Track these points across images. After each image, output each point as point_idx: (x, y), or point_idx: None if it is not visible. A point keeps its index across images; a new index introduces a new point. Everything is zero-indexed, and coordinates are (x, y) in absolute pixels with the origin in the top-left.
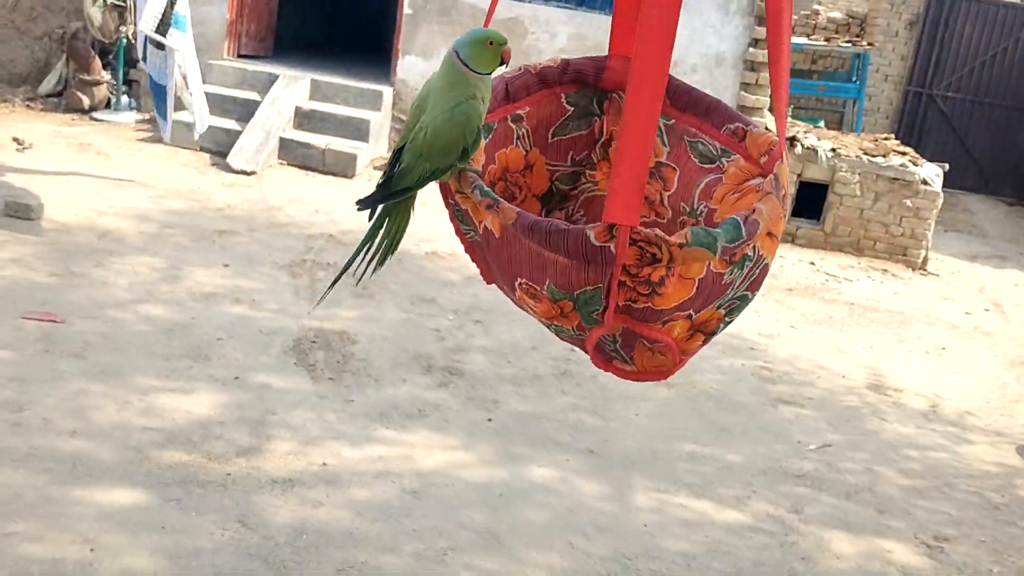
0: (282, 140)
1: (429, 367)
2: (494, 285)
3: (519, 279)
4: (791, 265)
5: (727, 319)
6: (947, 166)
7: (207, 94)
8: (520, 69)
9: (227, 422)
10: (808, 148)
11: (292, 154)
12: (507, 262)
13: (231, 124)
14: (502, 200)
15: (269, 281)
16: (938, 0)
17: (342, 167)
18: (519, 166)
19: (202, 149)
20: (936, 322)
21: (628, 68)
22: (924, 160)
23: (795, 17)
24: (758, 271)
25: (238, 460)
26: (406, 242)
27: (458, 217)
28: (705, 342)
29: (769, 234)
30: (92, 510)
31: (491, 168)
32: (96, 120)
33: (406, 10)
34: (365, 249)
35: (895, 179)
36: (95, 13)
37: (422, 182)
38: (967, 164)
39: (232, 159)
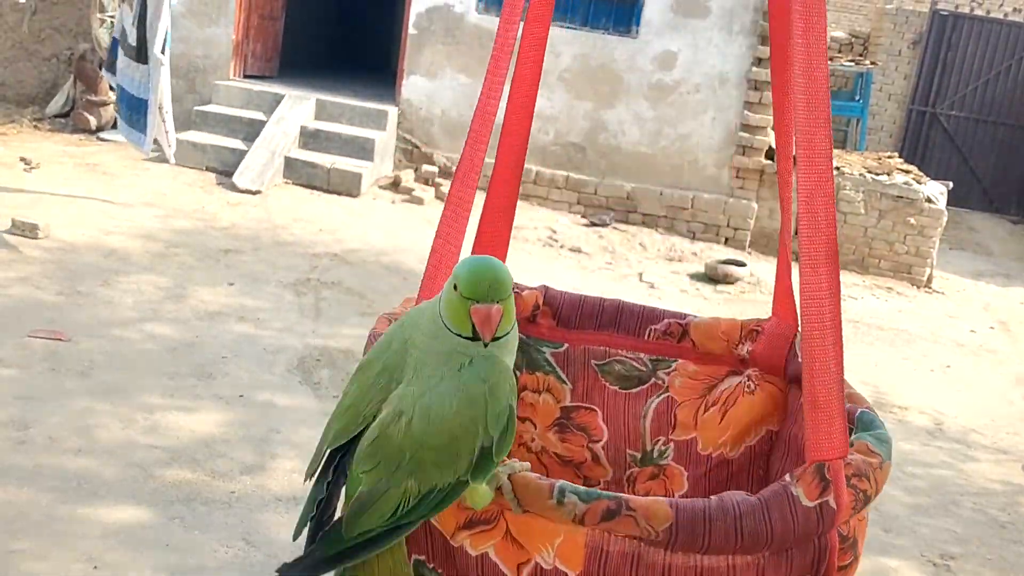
0: (287, 159)
1: None
2: None
3: None
4: (796, 284)
5: None
6: (951, 184)
7: (214, 114)
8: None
9: (231, 440)
10: None
11: (297, 173)
12: None
13: (237, 144)
14: (629, 497)
15: (274, 300)
16: (941, 19)
17: (347, 186)
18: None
19: (208, 168)
20: (941, 340)
21: None
22: (928, 178)
23: None
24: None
25: (242, 478)
26: (410, 259)
27: None
28: None
29: None
30: (96, 528)
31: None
32: (103, 140)
33: (411, 30)
34: None
35: (899, 197)
36: (103, 34)
37: (403, 518)
38: (971, 182)
39: (237, 178)
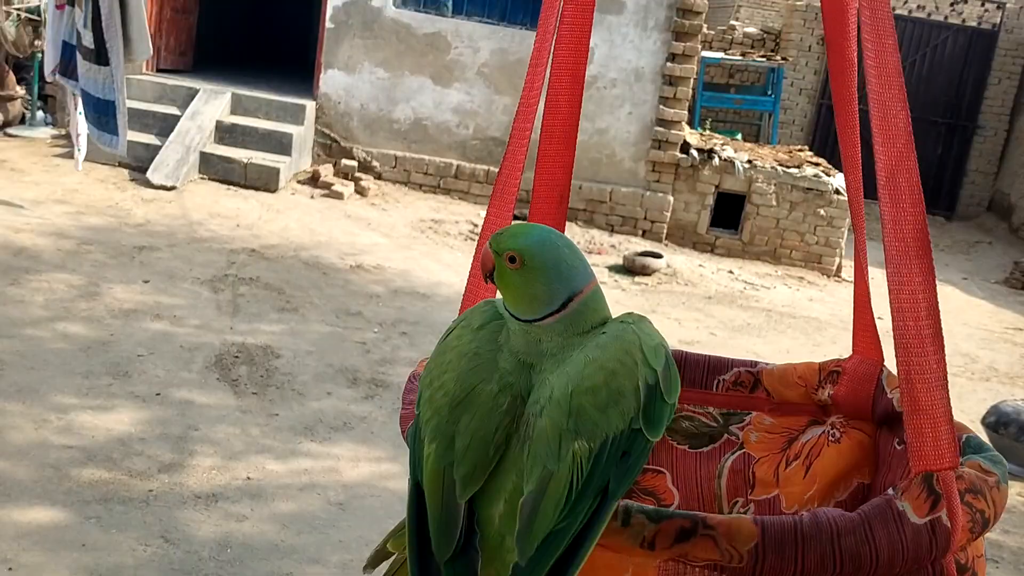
0: (203, 155)
1: (355, 380)
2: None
3: None
4: (711, 274)
5: None
6: None
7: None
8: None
9: (148, 439)
10: (726, 160)
11: (213, 168)
12: None
13: (151, 139)
14: (705, 514)
15: (191, 297)
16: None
17: (264, 181)
18: None
19: (121, 164)
20: (850, 327)
21: None
22: (837, 171)
23: (711, 32)
24: None
25: (160, 476)
26: (330, 254)
27: None
28: None
29: None
30: (10, 529)
31: None
32: (10, 136)
33: (328, 24)
34: None
35: (809, 189)
36: (9, 27)
37: (586, 499)
38: None
39: (152, 174)
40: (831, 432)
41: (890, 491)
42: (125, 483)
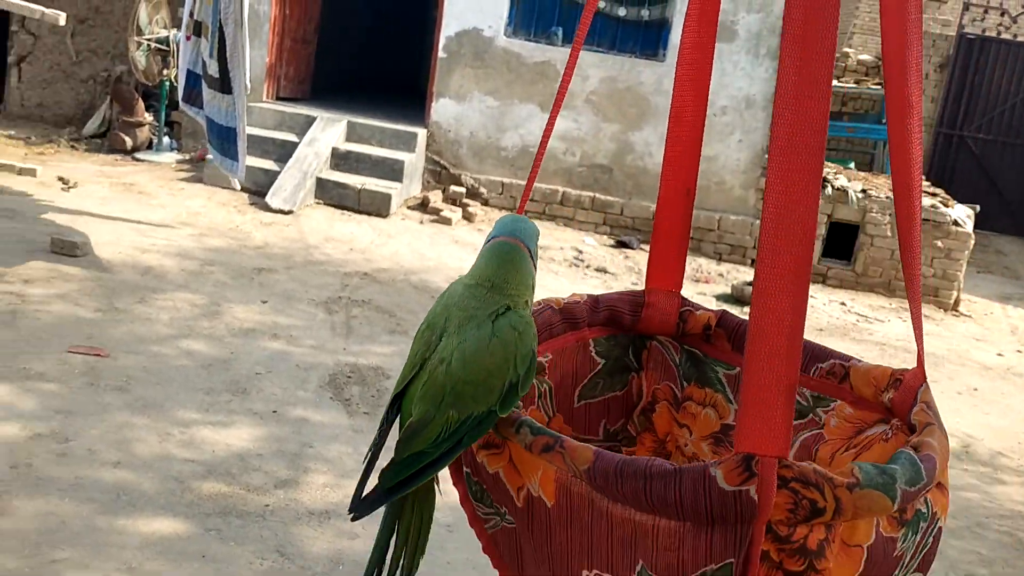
0: (319, 180)
1: None
2: None
3: (586, 572)
4: (822, 306)
5: None
6: (978, 207)
7: (248, 136)
8: (540, 303)
9: (265, 455)
10: (838, 189)
11: (328, 194)
12: (563, 549)
13: (270, 165)
14: (565, 437)
15: (306, 318)
16: (968, 42)
17: (377, 206)
18: None
19: (241, 189)
20: (968, 363)
21: (670, 306)
22: (955, 202)
23: None
24: (931, 539)
25: (276, 492)
26: (438, 279)
27: (475, 494)
28: None
29: (939, 484)
30: (135, 539)
31: None
32: (138, 160)
33: (440, 54)
34: (377, 566)
35: (926, 220)
36: (140, 57)
37: (444, 443)
38: (999, 206)
39: (271, 199)
40: (887, 432)
41: (710, 465)
42: (243, 497)
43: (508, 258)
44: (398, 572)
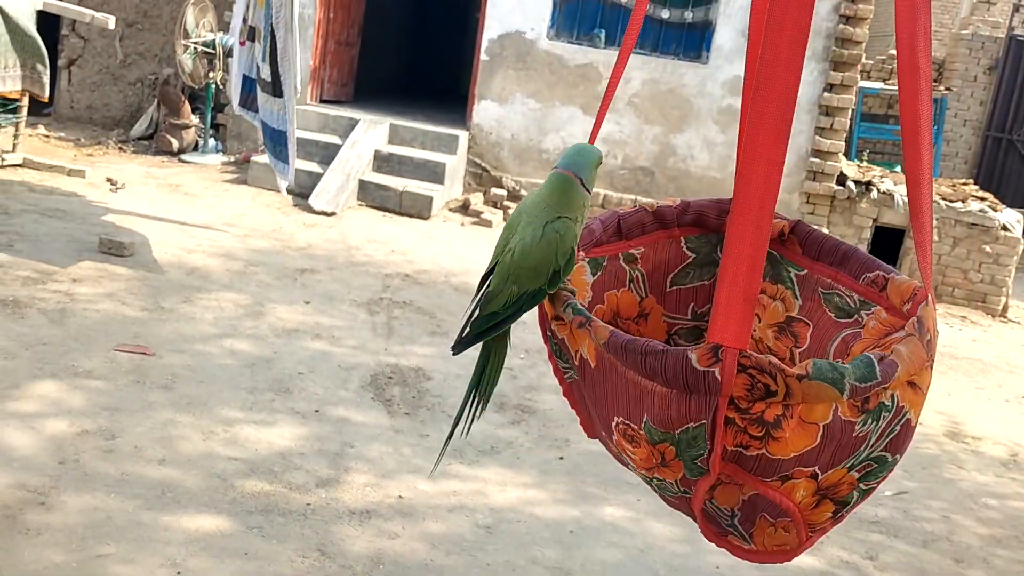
0: (361, 182)
1: (501, 405)
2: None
3: (616, 418)
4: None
5: (862, 485)
6: None
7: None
8: (635, 207)
9: (307, 454)
10: (884, 193)
11: (371, 196)
12: (603, 399)
13: (313, 167)
14: (595, 317)
15: (348, 318)
16: (1018, 45)
17: (418, 209)
18: (632, 312)
19: (286, 191)
20: (1017, 370)
21: None
22: (1004, 206)
23: (870, 61)
24: (898, 427)
25: (318, 491)
26: (476, 278)
27: (556, 352)
28: (837, 515)
29: (911, 383)
30: (179, 535)
31: (599, 308)
32: (184, 162)
33: (483, 56)
34: (472, 396)
35: (974, 225)
36: (186, 60)
37: (509, 308)
38: None
39: (313, 200)
40: (901, 335)
41: (688, 350)
42: (285, 496)
43: (560, 187)
44: (476, 406)
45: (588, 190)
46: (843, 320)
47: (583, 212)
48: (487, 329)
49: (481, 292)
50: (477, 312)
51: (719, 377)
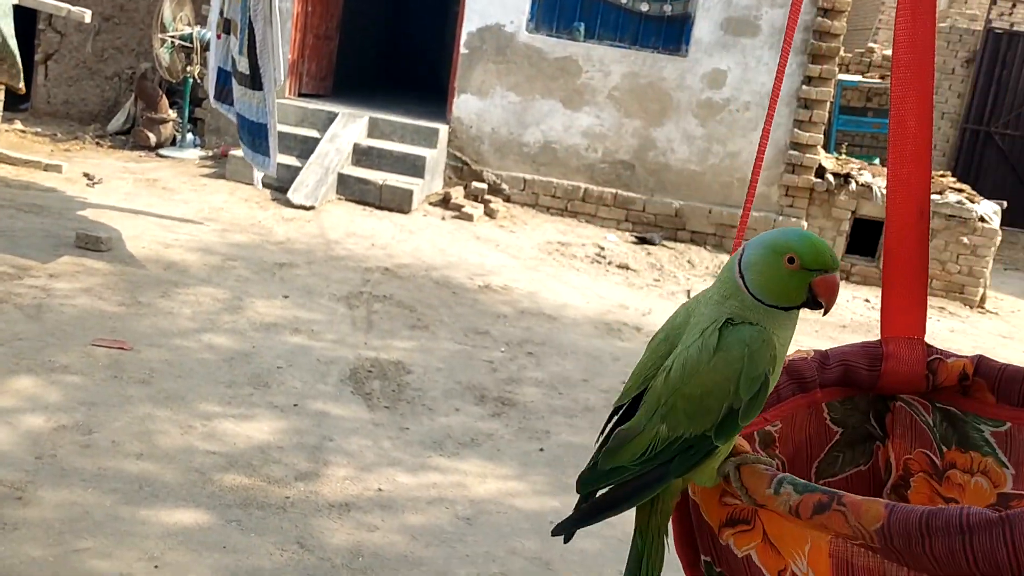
0: (340, 176)
1: (482, 397)
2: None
3: None
4: (845, 302)
5: None
6: (1005, 203)
7: None
8: None
9: (286, 447)
10: (863, 185)
11: (350, 190)
12: None
13: (292, 160)
14: (843, 492)
15: (327, 312)
16: (996, 37)
17: (398, 202)
18: None
19: (263, 185)
20: (997, 358)
21: (915, 356)
22: (982, 197)
23: (849, 55)
24: None
25: (296, 484)
26: (459, 275)
27: None
28: None
29: None
30: (157, 529)
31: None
32: (162, 156)
33: (462, 49)
34: None
35: (951, 216)
36: (164, 54)
37: (648, 465)
38: None
39: (292, 194)
40: None
41: None
42: (264, 489)
43: (727, 279)
44: None
45: (754, 295)
46: None
47: (781, 332)
48: (607, 504)
49: (607, 431)
50: (596, 463)
51: None
